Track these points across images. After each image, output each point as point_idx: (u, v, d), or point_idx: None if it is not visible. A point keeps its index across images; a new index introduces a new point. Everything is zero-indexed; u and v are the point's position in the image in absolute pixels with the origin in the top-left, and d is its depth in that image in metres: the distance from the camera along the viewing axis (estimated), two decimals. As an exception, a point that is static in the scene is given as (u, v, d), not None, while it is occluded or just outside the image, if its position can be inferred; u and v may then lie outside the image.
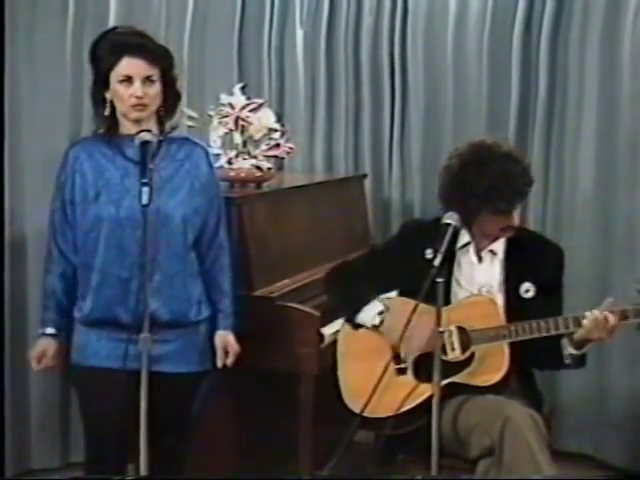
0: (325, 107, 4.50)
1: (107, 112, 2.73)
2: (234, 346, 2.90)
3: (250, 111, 3.53)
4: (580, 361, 2.90)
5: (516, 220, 2.92)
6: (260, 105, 3.57)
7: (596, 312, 2.76)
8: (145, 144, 2.59)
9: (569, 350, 2.85)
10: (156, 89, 2.71)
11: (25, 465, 3.81)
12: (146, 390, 2.50)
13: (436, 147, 4.30)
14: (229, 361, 2.90)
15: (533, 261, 2.97)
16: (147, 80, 2.69)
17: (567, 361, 2.89)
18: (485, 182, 2.83)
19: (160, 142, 2.74)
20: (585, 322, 2.77)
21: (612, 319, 2.75)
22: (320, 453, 3.10)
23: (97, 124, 2.80)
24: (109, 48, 2.70)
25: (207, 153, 2.89)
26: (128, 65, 2.68)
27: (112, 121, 2.75)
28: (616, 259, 3.98)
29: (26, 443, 3.81)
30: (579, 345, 2.84)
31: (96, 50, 2.73)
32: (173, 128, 2.83)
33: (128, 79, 2.67)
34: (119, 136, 2.75)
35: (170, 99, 2.79)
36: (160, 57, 2.73)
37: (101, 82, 2.72)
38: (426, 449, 2.62)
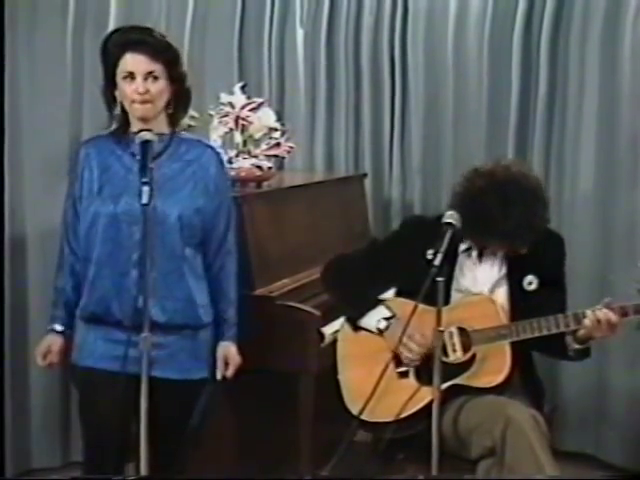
0: (325, 106, 4.50)
1: (117, 110, 2.73)
2: (235, 358, 2.84)
3: (250, 110, 3.53)
4: (584, 354, 2.91)
5: (524, 250, 2.89)
6: (260, 104, 3.57)
7: (598, 312, 2.76)
8: (145, 143, 2.58)
9: (573, 346, 2.85)
10: (160, 86, 2.69)
11: (25, 465, 3.81)
12: (146, 390, 2.47)
13: (436, 147, 4.31)
14: (229, 373, 2.84)
15: (534, 253, 2.93)
16: (150, 76, 2.66)
17: (571, 354, 2.89)
18: (509, 225, 2.79)
19: (170, 141, 2.75)
20: (586, 321, 2.77)
21: (613, 317, 2.75)
22: (320, 453, 3.09)
23: (111, 121, 2.79)
24: (113, 46, 2.70)
25: (218, 156, 2.84)
26: (130, 61, 2.66)
27: (124, 119, 2.75)
28: (616, 258, 3.98)
29: (26, 443, 3.80)
30: (582, 341, 2.84)
31: (103, 49, 2.74)
32: (184, 129, 2.82)
33: (130, 75, 2.66)
34: (129, 134, 2.74)
35: (179, 97, 2.75)
36: (161, 52, 2.69)
37: (109, 80, 2.72)
38: (426, 449, 2.61)
